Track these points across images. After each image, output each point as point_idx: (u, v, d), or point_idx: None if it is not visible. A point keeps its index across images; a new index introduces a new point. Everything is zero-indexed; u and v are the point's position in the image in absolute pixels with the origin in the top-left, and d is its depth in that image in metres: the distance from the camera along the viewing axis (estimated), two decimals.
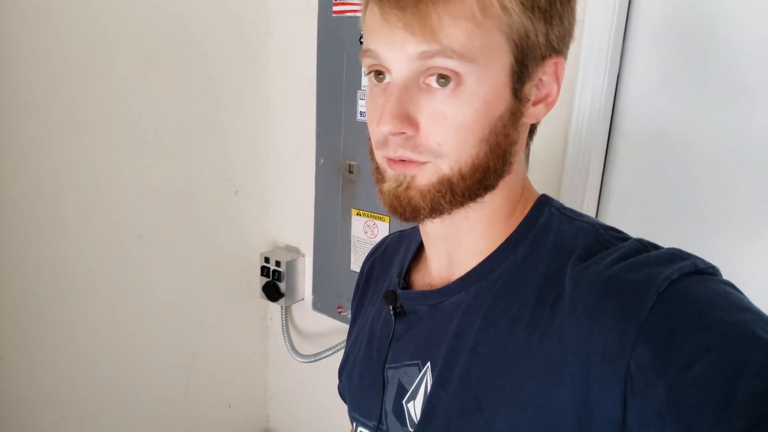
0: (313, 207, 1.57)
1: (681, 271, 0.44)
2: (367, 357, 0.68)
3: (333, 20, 1.41)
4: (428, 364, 0.59)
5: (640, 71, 1.12)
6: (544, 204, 0.58)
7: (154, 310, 1.50)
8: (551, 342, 0.48)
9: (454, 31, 0.47)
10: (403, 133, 0.50)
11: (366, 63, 0.53)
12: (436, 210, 0.53)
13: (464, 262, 0.59)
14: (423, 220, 0.55)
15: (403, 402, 0.61)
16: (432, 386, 0.57)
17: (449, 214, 0.54)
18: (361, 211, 1.47)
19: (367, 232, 1.46)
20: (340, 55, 1.41)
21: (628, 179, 1.17)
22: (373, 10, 0.50)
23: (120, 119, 1.33)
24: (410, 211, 0.53)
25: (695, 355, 0.39)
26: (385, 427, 0.63)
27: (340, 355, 1.56)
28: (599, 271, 0.47)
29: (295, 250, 1.66)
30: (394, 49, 0.49)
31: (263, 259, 1.63)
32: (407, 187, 0.52)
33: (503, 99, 0.51)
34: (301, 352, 1.65)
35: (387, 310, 0.66)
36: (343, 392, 0.80)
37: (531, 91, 0.53)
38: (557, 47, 0.52)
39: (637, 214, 1.17)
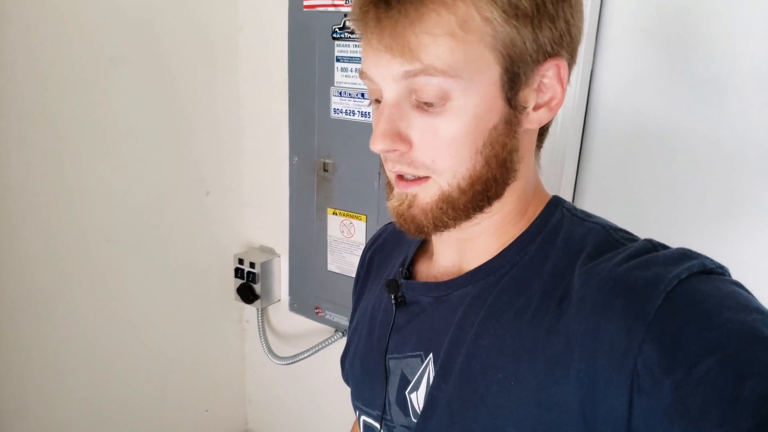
0: (287, 207, 1.53)
1: (690, 271, 0.44)
2: (368, 346, 0.68)
3: (304, 15, 1.38)
4: (430, 355, 0.59)
5: (614, 67, 1.11)
6: (556, 206, 0.59)
7: (125, 316, 1.46)
8: (558, 338, 0.48)
9: (435, 49, 0.47)
10: (396, 150, 0.51)
11: (366, 85, 0.54)
12: (439, 227, 0.54)
13: (474, 260, 0.59)
14: (430, 236, 0.56)
15: (406, 393, 0.61)
16: (434, 378, 0.57)
17: (455, 227, 0.55)
18: (337, 210, 1.44)
19: (344, 231, 1.43)
20: (311, 51, 1.38)
21: (602, 177, 1.16)
22: (360, 35, 0.52)
23: (84, 120, 1.28)
24: (415, 228, 0.55)
25: (702, 354, 0.39)
26: (389, 417, 0.64)
27: (319, 356, 1.54)
28: (608, 269, 0.48)
29: (270, 251, 1.63)
30: (381, 71, 0.50)
31: (237, 261, 1.60)
32: (409, 206, 0.54)
33: (496, 109, 0.51)
34: (278, 354, 1.62)
35: (387, 299, 0.66)
36: (346, 380, 0.80)
37: (529, 97, 0.52)
38: (552, 50, 0.51)
39: (612, 212, 1.14)
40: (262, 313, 1.64)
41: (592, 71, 1.13)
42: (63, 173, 1.27)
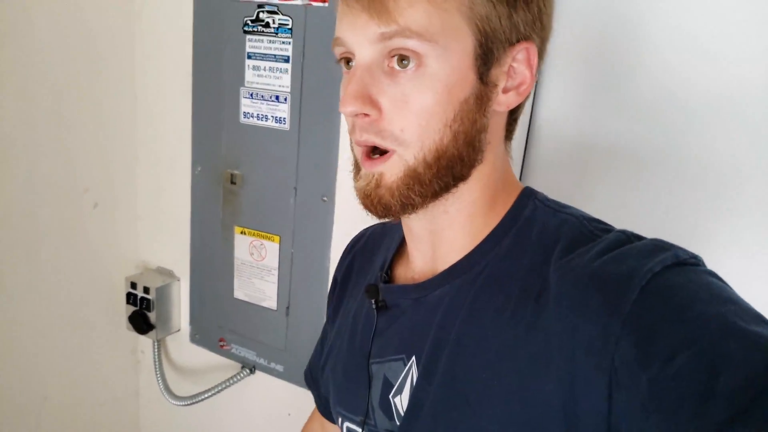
0: (189, 223, 1.33)
1: (663, 263, 0.44)
2: (351, 351, 0.68)
3: (212, 4, 1.19)
4: (413, 358, 0.59)
5: (558, 84, 1.02)
6: (528, 196, 0.58)
7: None
8: (536, 336, 0.48)
9: (412, 12, 0.47)
10: (366, 115, 0.51)
11: (336, 51, 0.54)
12: (407, 206, 0.53)
13: (447, 256, 0.59)
14: (397, 217, 0.55)
15: (390, 397, 0.61)
16: (417, 380, 0.57)
17: (422, 208, 0.54)
18: (245, 229, 1.25)
19: (253, 253, 1.25)
20: (220, 46, 1.19)
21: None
22: None
23: None
24: (381, 209, 0.54)
25: (677, 348, 0.40)
26: (372, 422, 0.63)
27: (224, 396, 1.34)
28: (583, 264, 0.48)
29: (169, 274, 1.41)
30: (357, 32, 0.50)
31: (129, 285, 1.37)
32: (376, 185, 0.53)
33: (467, 82, 0.50)
34: (177, 392, 1.40)
35: (369, 304, 0.65)
36: (311, 380, 0.83)
37: (500, 77, 0.52)
38: (524, 32, 0.51)
39: None
40: (159, 345, 1.42)
41: (535, 90, 1.03)
42: None
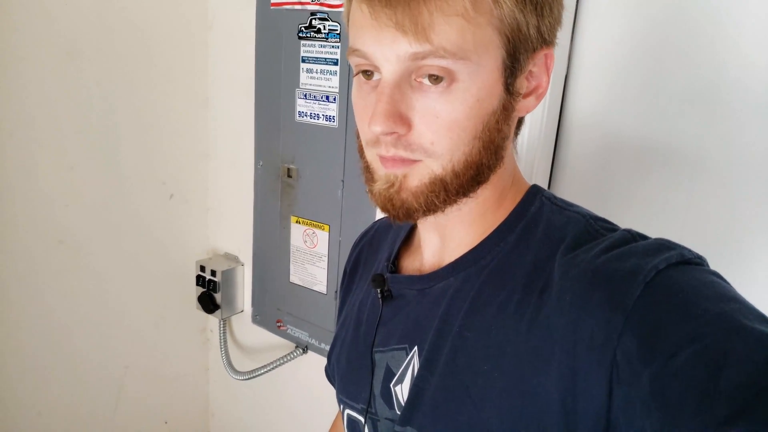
0: (252, 213, 1.46)
1: (668, 261, 0.44)
2: (355, 340, 0.68)
3: (271, 14, 1.31)
4: (415, 348, 0.59)
5: (589, 81, 1.04)
6: (535, 194, 0.59)
7: (78, 321, 1.39)
8: (539, 330, 0.48)
9: (446, 29, 0.46)
10: (394, 132, 0.49)
11: (354, 62, 0.52)
12: (430, 210, 0.53)
13: (455, 249, 0.59)
14: (417, 220, 0.56)
15: (391, 385, 0.62)
16: (419, 370, 0.57)
17: (443, 212, 0.54)
18: (300, 219, 1.37)
19: (307, 241, 1.36)
20: (278, 51, 1.31)
21: (574, 194, 1.08)
22: (362, 8, 0.48)
23: (36, 117, 1.22)
24: (404, 213, 0.53)
25: (680, 345, 0.39)
26: (373, 410, 0.63)
27: (279, 372, 1.46)
28: (587, 260, 0.48)
29: (235, 259, 1.55)
30: (384, 48, 0.48)
31: (199, 268, 1.53)
32: (399, 189, 0.52)
33: (496, 94, 0.50)
34: (239, 367, 1.54)
35: (375, 294, 0.66)
36: (330, 375, 0.80)
37: (522, 83, 0.53)
38: (548, 38, 0.52)
39: None
40: (225, 324, 1.57)
41: (565, 84, 1.06)
42: (13, 171, 1.21)
